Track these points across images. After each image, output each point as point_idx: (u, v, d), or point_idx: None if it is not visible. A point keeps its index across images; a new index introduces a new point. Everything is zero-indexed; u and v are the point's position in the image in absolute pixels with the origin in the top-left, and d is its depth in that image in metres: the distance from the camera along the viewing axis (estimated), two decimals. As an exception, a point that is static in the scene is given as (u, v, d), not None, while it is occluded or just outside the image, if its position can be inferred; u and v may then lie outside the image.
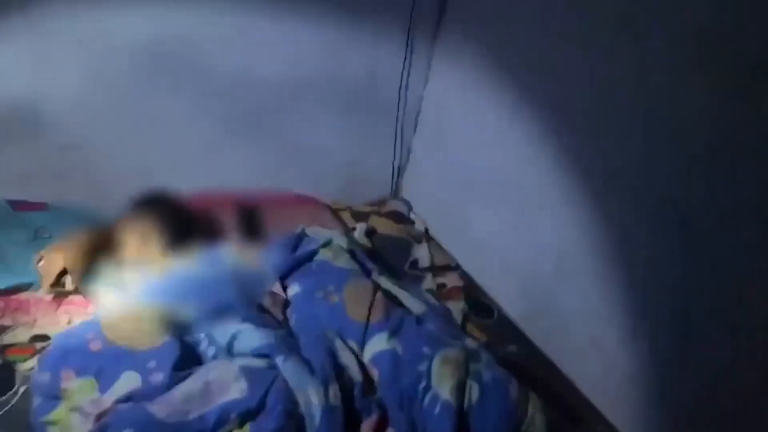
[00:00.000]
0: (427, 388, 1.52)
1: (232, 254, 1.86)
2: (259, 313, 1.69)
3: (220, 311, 1.61)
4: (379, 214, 2.57)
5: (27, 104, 1.79)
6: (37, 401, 1.41)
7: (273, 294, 1.81)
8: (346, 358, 1.57)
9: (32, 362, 1.55)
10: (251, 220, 2.12)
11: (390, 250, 2.34)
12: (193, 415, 1.32)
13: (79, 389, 1.37)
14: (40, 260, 1.74)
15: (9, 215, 1.83)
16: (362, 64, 2.39)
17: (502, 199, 2.20)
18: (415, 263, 2.32)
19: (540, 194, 2.01)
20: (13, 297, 1.70)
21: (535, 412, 1.51)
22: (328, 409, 1.40)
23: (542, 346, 2.03)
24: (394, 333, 1.68)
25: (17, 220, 1.82)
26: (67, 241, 1.76)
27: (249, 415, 1.35)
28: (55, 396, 1.39)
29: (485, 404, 1.51)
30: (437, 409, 1.47)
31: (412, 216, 2.63)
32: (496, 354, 1.86)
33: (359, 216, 2.52)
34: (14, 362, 1.56)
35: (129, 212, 1.83)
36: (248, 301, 1.69)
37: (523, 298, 2.14)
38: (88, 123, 2.00)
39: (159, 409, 1.32)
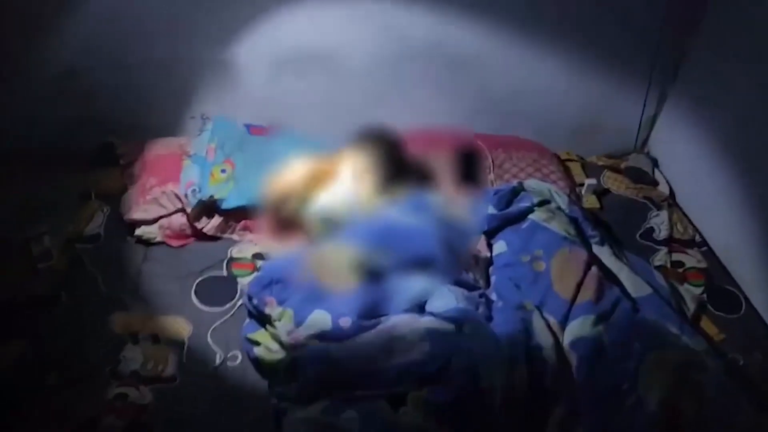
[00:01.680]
0: (631, 391, 1.33)
1: (441, 204, 1.79)
2: (457, 271, 1.61)
3: (419, 264, 1.56)
4: (615, 169, 2.27)
5: (327, 51, 2.11)
6: (245, 319, 1.53)
7: (476, 251, 1.71)
8: (543, 338, 1.43)
9: (251, 278, 1.69)
10: (468, 164, 2.02)
11: (621, 213, 2.07)
12: (373, 368, 1.32)
13: (278, 317, 1.45)
14: (267, 184, 1.86)
15: (245, 139, 1.98)
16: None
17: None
18: (649, 232, 2.02)
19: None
20: (241, 215, 1.86)
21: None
22: (509, 392, 1.30)
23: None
24: (602, 318, 1.49)
25: (251, 144, 1.96)
26: (291, 168, 1.85)
27: (428, 379, 1.30)
28: (259, 318, 1.49)
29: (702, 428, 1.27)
30: (640, 421, 1.28)
31: (656, 176, 2.28)
32: (732, 362, 1.57)
33: (591, 170, 2.26)
34: (237, 276, 1.72)
35: (349, 146, 1.85)
36: (449, 256, 1.62)
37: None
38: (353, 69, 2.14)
39: (343, 354, 1.35)
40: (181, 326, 1.57)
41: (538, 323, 1.46)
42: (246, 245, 1.82)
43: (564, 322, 1.49)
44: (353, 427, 1.23)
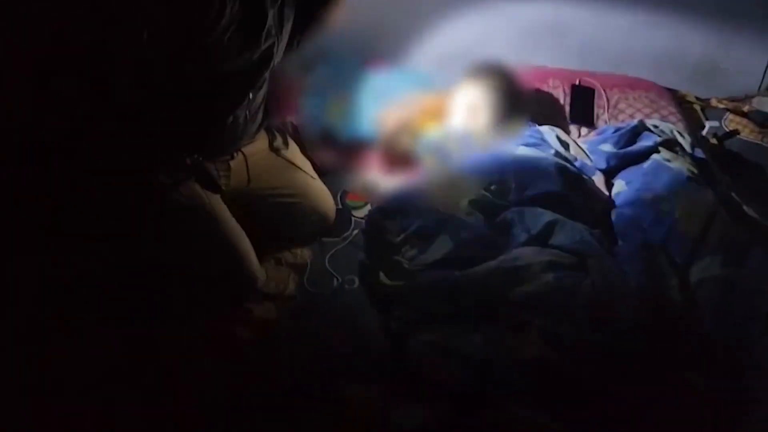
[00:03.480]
0: (764, 335, 1.28)
1: (559, 138, 1.75)
2: (578, 207, 1.58)
3: (539, 197, 1.54)
4: (737, 112, 2.14)
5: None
6: (363, 248, 1.57)
7: (596, 188, 1.67)
8: (668, 277, 1.39)
9: (365, 209, 1.72)
10: (585, 103, 1.96)
11: (745, 158, 1.96)
12: (496, 296, 1.33)
13: (401, 244, 1.48)
14: (381, 117, 1.87)
15: (360, 73, 1.98)
16: None
17: None
18: (775, 179, 1.91)
19: None
20: (355, 148, 1.88)
21: None
22: (634, 328, 1.28)
23: None
24: (732, 259, 1.43)
25: (366, 78, 1.96)
26: (406, 103, 1.85)
27: (552, 310, 1.30)
28: (379, 245, 1.52)
29: None
30: None
31: (782, 120, 2.14)
32: None
33: (712, 112, 2.14)
34: (351, 207, 1.76)
35: (464, 81, 1.83)
36: (569, 191, 1.59)
37: None
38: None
39: (467, 281, 1.36)
40: (301, 251, 1.63)
41: (662, 262, 1.42)
42: (360, 177, 1.85)
43: (690, 263, 1.44)
44: (478, 352, 1.25)
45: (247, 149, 1.51)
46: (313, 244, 1.65)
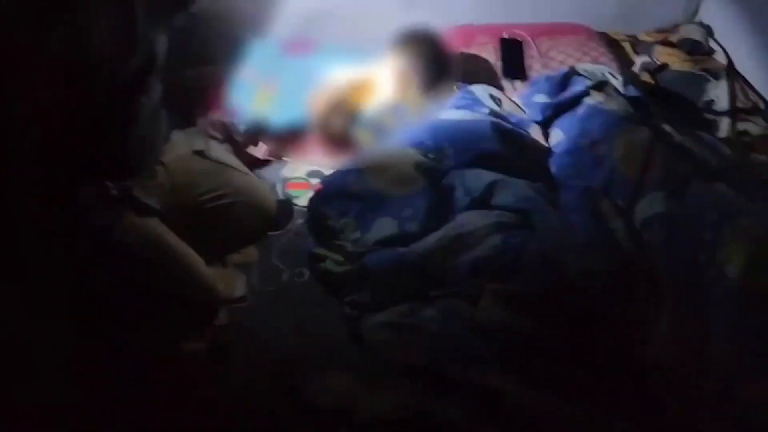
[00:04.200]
0: (711, 261, 1.29)
1: (491, 96, 1.72)
2: (517, 163, 1.56)
3: (478, 159, 1.52)
4: (666, 43, 2.15)
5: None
6: (308, 237, 1.53)
7: (533, 141, 1.66)
8: (613, 221, 1.39)
9: (308, 197, 1.68)
10: (514, 56, 1.93)
11: (678, 88, 1.97)
12: (444, 266, 1.32)
13: (342, 228, 1.44)
14: (312, 101, 1.82)
15: (282, 58, 1.92)
16: None
17: None
18: (709, 105, 1.92)
19: None
20: (290, 136, 1.83)
21: None
22: (588, 278, 1.27)
23: None
24: (674, 193, 1.43)
25: (291, 62, 1.90)
26: (334, 82, 1.80)
27: (503, 272, 1.29)
28: (322, 232, 1.49)
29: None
30: (721, 290, 1.25)
31: (711, 45, 2.15)
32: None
33: (641, 47, 2.14)
34: (293, 197, 1.71)
35: (391, 51, 1.79)
36: (507, 148, 1.57)
37: None
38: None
39: (413, 255, 1.34)
40: (247, 250, 1.58)
41: (606, 207, 1.42)
42: (299, 165, 1.80)
43: (633, 203, 1.44)
44: (434, 326, 1.23)
45: (168, 159, 1.44)
46: (260, 241, 1.60)
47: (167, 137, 1.44)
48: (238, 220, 1.57)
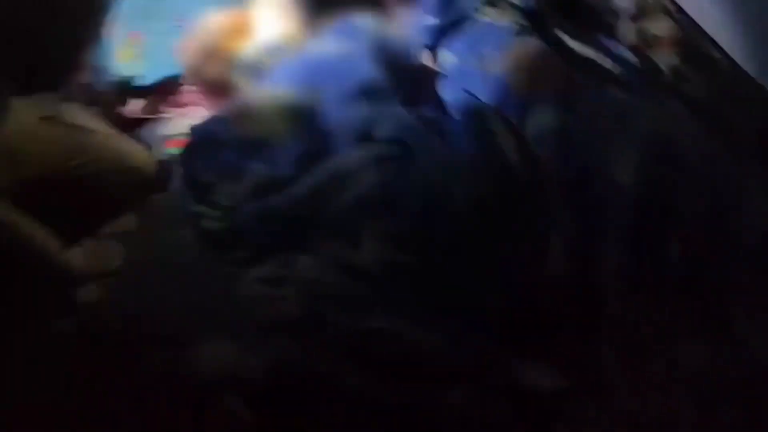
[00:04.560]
0: (602, 171, 1.21)
1: (374, 24, 1.59)
2: (403, 92, 1.45)
3: (357, 92, 1.41)
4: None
5: None
6: (184, 194, 1.41)
7: (421, 67, 1.54)
8: (504, 141, 1.30)
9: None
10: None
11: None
12: (320, 209, 1.22)
13: (215, 182, 1.34)
14: (183, 48, 1.67)
15: (146, 5, 1.75)
16: None
17: None
18: (611, 7, 1.80)
19: None
20: (164, 90, 1.69)
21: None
22: (476, 206, 1.19)
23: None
24: (566, 105, 1.34)
25: (155, 8, 1.74)
26: (204, 27, 1.65)
27: (380, 211, 1.20)
28: (198, 188, 1.37)
29: (682, 190, 1.16)
30: (612, 196, 1.18)
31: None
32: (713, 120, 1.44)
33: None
34: (173, 154, 1.58)
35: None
36: (391, 78, 1.45)
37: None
38: None
39: (286, 202, 1.24)
40: (124, 219, 1.46)
41: (496, 126, 1.32)
42: (179, 121, 1.66)
43: (524, 118, 1.35)
44: (312, 274, 1.14)
45: (6, 130, 1.29)
46: (137, 206, 1.48)
47: (4, 107, 1.29)
48: (105, 188, 1.44)
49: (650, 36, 1.72)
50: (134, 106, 1.67)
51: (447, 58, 1.54)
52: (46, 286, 1.23)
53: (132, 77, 1.64)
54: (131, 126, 1.66)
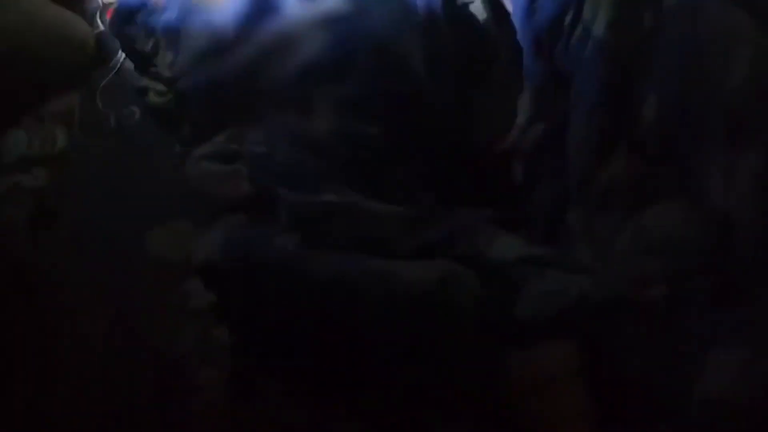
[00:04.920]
0: (575, 22, 1.09)
1: None
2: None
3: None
4: None
5: None
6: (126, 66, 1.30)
7: None
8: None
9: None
10: None
11: None
12: (267, 75, 1.11)
13: (153, 49, 1.21)
14: None
15: None
16: None
17: None
18: None
19: None
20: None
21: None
22: (433, 60, 1.08)
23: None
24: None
25: None
26: None
27: (333, 76, 1.09)
28: (135, 58, 1.26)
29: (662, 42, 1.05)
30: (587, 51, 1.07)
31: None
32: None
33: None
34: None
35: None
36: None
37: None
38: None
39: (230, 67, 1.13)
40: (65, 97, 1.35)
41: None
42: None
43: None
44: (262, 148, 1.06)
45: None
46: (80, 83, 1.37)
47: None
48: (44, 62, 1.32)
49: None
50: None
51: None
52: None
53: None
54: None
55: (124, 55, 1.36)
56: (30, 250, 1.18)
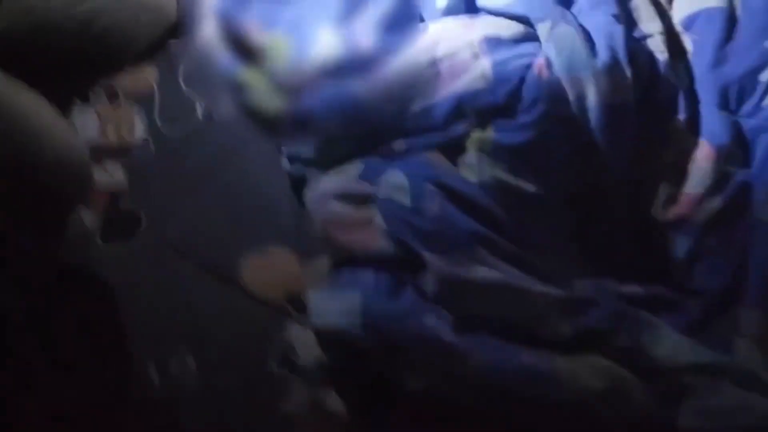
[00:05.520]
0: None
1: None
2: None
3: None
4: None
5: None
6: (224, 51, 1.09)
7: None
8: (646, 24, 0.99)
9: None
10: None
11: None
12: (415, 106, 0.94)
13: (270, 47, 1.01)
14: None
15: None
16: None
17: None
18: None
19: None
20: None
21: None
22: (607, 107, 0.92)
23: None
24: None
25: None
26: None
27: (493, 112, 0.93)
28: (244, 52, 1.05)
29: None
30: None
31: None
32: None
33: None
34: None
35: None
36: None
37: None
38: None
39: (370, 88, 0.95)
40: (142, 71, 1.15)
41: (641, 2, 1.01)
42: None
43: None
44: (400, 193, 0.90)
45: None
46: (159, 57, 1.16)
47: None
48: (121, 30, 1.10)
49: None
50: None
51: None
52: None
53: None
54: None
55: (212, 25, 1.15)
56: (102, 264, 1.01)
